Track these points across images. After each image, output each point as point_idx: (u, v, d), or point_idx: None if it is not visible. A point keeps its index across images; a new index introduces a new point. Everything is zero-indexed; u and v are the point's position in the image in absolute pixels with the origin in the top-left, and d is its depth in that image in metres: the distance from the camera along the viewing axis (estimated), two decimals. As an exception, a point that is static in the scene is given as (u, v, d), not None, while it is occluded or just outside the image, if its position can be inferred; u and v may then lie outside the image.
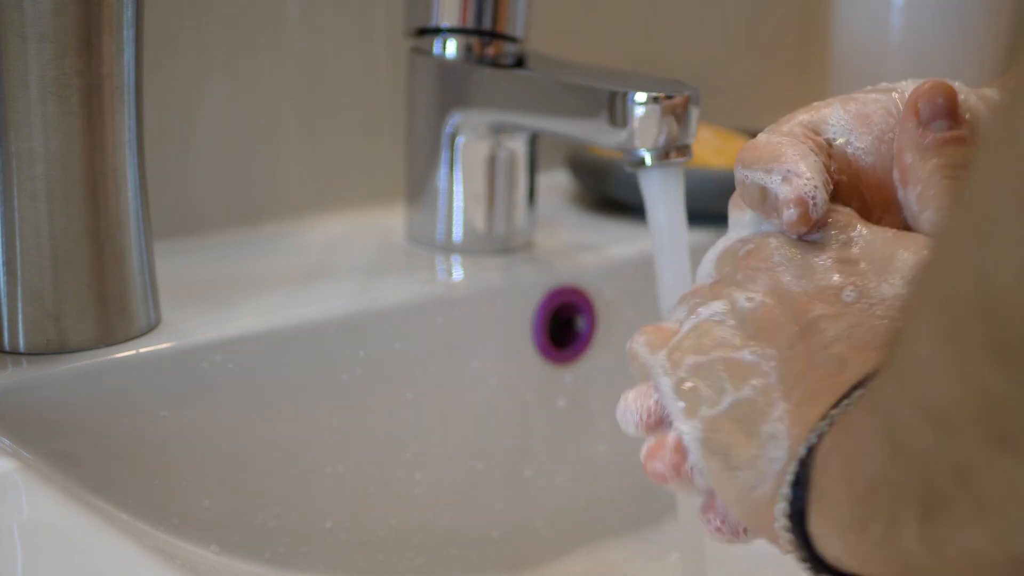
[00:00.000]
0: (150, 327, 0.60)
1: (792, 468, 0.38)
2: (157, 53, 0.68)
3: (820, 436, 0.37)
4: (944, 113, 0.42)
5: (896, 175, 0.43)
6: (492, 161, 0.71)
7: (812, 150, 0.43)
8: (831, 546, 0.37)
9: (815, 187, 0.41)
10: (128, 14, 0.56)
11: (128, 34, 0.56)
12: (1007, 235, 0.26)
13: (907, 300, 0.31)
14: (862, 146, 0.44)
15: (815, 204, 0.41)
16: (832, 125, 0.44)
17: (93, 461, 0.56)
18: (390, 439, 0.66)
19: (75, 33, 0.54)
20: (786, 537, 0.38)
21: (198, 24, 0.73)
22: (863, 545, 0.34)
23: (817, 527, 0.37)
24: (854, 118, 0.44)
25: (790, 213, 0.41)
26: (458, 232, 0.72)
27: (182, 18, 0.72)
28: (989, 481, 0.28)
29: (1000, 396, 0.27)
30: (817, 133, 0.44)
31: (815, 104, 0.45)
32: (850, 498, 0.34)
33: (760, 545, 0.43)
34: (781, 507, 0.38)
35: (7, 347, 0.57)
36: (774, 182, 0.42)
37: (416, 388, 0.67)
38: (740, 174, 0.43)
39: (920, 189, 0.42)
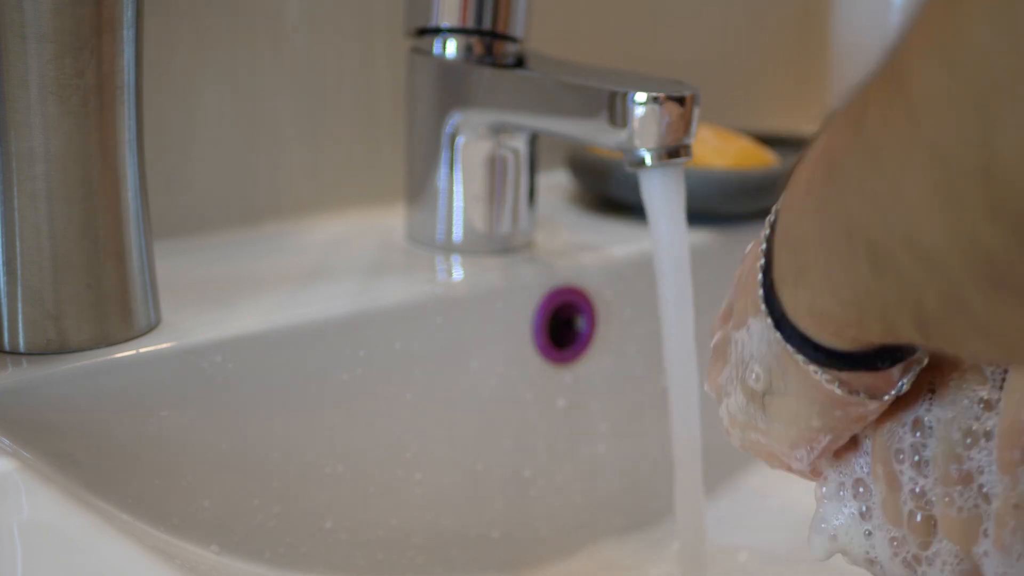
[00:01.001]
0: (150, 327, 0.60)
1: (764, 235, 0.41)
2: (157, 53, 0.68)
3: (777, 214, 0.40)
4: None
5: None
6: (492, 161, 0.71)
7: None
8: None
9: None
10: (128, 14, 0.56)
11: (128, 34, 0.56)
12: (1014, 111, 0.27)
13: (882, 119, 0.31)
14: None
15: None
16: None
17: (93, 461, 0.56)
18: (390, 439, 0.66)
19: (75, 33, 0.54)
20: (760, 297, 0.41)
21: (198, 24, 0.73)
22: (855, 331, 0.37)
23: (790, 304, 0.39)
24: None
25: None
26: (458, 232, 0.72)
27: (182, 18, 0.72)
28: (986, 312, 0.29)
29: (996, 251, 0.28)
30: None
31: None
32: (835, 302, 0.36)
33: (762, 545, 0.43)
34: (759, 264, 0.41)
35: (7, 347, 0.56)
36: None
37: (416, 388, 0.67)
38: None
39: None
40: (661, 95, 0.62)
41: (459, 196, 0.71)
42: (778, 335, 0.40)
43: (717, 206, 0.78)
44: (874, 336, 0.36)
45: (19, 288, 0.56)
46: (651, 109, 0.62)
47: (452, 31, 0.69)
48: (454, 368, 0.68)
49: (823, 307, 0.37)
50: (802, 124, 0.99)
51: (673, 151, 0.62)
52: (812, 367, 0.40)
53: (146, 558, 0.47)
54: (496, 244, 0.72)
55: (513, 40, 0.69)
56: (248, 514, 0.61)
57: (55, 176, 0.55)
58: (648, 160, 0.62)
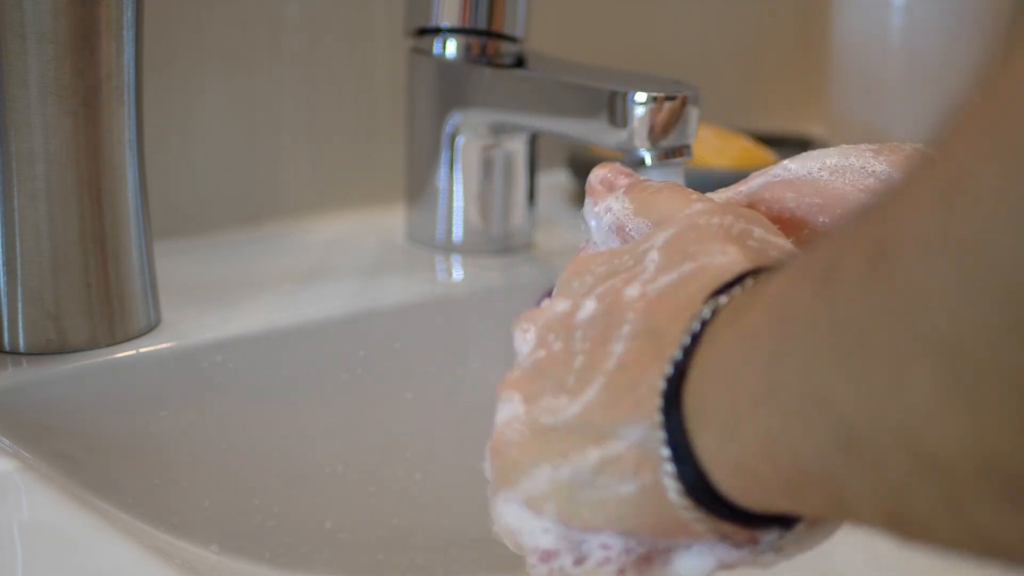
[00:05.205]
0: (150, 327, 0.60)
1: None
2: (157, 53, 0.68)
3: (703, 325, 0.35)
4: None
5: None
6: (492, 161, 0.71)
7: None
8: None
9: None
10: (128, 14, 0.56)
11: (128, 34, 0.56)
12: None
13: (862, 288, 0.27)
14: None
15: None
16: None
17: (93, 461, 0.56)
18: (390, 439, 0.66)
19: (75, 33, 0.54)
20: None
21: (198, 24, 0.73)
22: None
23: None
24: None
25: None
26: (458, 232, 0.72)
27: (182, 18, 0.72)
28: (994, 523, 0.26)
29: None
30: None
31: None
32: (770, 467, 0.32)
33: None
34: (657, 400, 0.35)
35: (7, 347, 0.56)
36: None
37: (416, 388, 0.67)
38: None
39: None
40: (661, 95, 0.62)
41: (459, 196, 0.71)
42: (670, 468, 0.35)
43: (717, 206, 0.77)
44: (807, 508, 0.32)
45: (19, 288, 0.56)
46: (651, 109, 0.62)
47: (452, 31, 0.69)
48: (454, 368, 0.68)
49: (752, 468, 0.32)
50: (802, 124, 0.99)
51: (673, 151, 0.62)
52: (691, 511, 0.35)
53: (146, 558, 0.47)
54: (496, 244, 0.72)
55: (513, 40, 0.69)
56: (248, 514, 0.61)
57: (55, 176, 0.55)
58: (648, 160, 0.62)
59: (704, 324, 0.35)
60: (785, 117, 1.00)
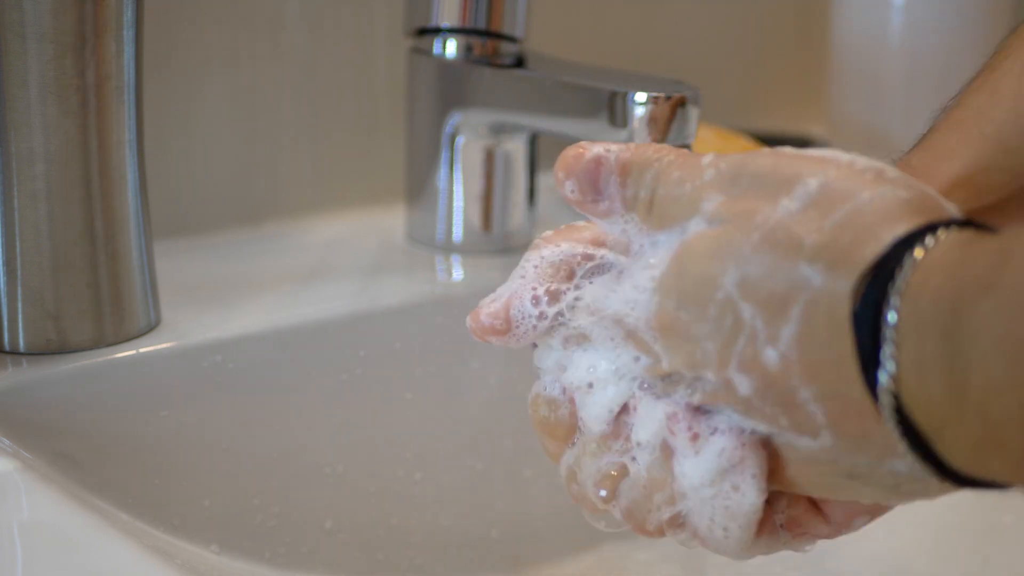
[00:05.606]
0: (150, 327, 0.60)
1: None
2: (157, 53, 0.68)
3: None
4: None
5: None
6: (492, 161, 0.71)
7: None
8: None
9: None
10: (128, 14, 0.56)
11: (128, 34, 0.56)
12: None
13: None
14: None
15: None
16: None
17: (93, 461, 0.56)
18: (390, 439, 0.66)
19: (75, 33, 0.54)
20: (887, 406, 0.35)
21: (198, 24, 0.73)
22: None
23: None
24: None
25: None
26: (458, 232, 0.72)
27: (182, 18, 0.72)
28: None
29: None
30: None
31: None
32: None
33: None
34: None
35: (7, 347, 0.57)
36: None
37: (416, 388, 0.67)
38: None
39: None
40: (661, 95, 0.62)
41: (459, 196, 0.71)
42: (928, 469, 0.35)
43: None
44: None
45: (19, 288, 0.56)
46: (651, 109, 0.62)
47: (452, 31, 0.69)
48: (454, 368, 0.68)
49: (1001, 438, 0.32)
50: (802, 124, 0.99)
51: (673, 151, 0.62)
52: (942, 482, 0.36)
53: (146, 558, 0.47)
54: (496, 244, 0.72)
55: (513, 40, 0.69)
56: (248, 514, 0.61)
57: (55, 176, 0.55)
58: (648, 160, 0.62)
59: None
60: (785, 117, 1.00)
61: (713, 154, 0.41)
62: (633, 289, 0.41)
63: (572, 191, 0.44)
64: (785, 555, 0.46)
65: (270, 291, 0.66)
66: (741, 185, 0.39)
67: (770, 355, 0.37)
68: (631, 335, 0.41)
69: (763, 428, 0.39)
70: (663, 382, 0.41)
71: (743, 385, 0.38)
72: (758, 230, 0.38)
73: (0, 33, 0.53)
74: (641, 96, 0.62)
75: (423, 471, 0.67)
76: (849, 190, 0.37)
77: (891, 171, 0.38)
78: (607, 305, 0.42)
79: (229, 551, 0.60)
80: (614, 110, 0.62)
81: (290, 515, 0.63)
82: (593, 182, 0.44)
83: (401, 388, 0.66)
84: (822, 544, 0.45)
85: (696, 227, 0.40)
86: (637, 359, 0.42)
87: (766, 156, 0.39)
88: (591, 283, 0.44)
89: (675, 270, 0.40)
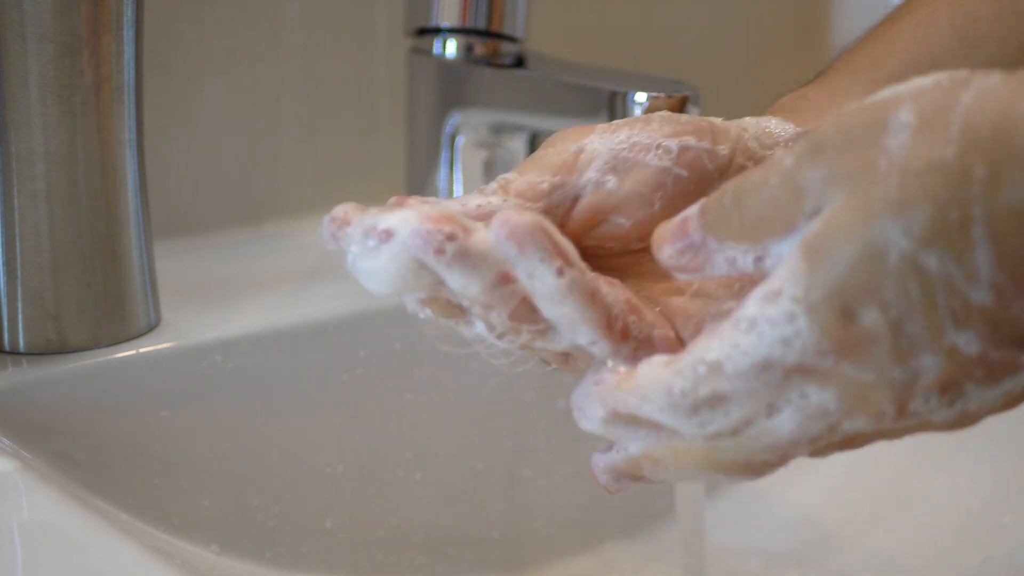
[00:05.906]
0: (150, 327, 0.60)
1: None
2: (157, 53, 0.68)
3: None
4: None
5: None
6: (492, 161, 0.71)
7: None
8: None
9: None
10: (128, 14, 0.56)
11: (128, 34, 0.56)
12: None
13: None
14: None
15: None
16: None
17: (93, 461, 0.56)
18: (390, 439, 0.66)
19: (75, 33, 0.54)
20: None
21: (198, 24, 0.73)
22: None
23: None
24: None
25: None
26: (458, 232, 0.71)
27: (182, 18, 0.72)
28: None
29: None
30: None
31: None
32: None
33: (763, 546, 0.43)
34: None
35: (7, 347, 0.57)
36: None
37: (416, 388, 0.67)
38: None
39: None
40: (661, 95, 0.62)
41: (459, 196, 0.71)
42: None
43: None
44: None
45: (19, 288, 0.56)
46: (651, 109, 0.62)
47: (452, 31, 0.69)
48: (454, 368, 0.68)
49: None
50: (802, 124, 0.99)
51: (673, 151, 0.62)
52: None
53: (146, 558, 0.47)
54: (496, 244, 0.72)
55: (513, 40, 0.69)
56: (248, 514, 0.61)
57: (55, 176, 0.55)
58: (648, 160, 0.62)
59: None
60: (785, 117, 1.00)
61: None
62: (769, 324, 0.35)
63: (670, 256, 0.39)
64: (786, 553, 0.46)
65: (270, 291, 0.66)
66: (828, 151, 0.34)
67: (979, 293, 0.33)
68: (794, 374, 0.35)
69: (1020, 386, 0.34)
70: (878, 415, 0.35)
71: (970, 343, 0.33)
72: (891, 173, 0.33)
73: (0, 33, 0.53)
74: (641, 96, 0.62)
75: (423, 471, 0.67)
76: (942, 99, 0.33)
77: (950, 73, 0.34)
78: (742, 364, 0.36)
79: (229, 551, 0.60)
80: (614, 110, 0.62)
81: (290, 515, 0.63)
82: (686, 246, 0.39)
83: (401, 388, 0.66)
84: (822, 543, 0.45)
85: (810, 212, 0.35)
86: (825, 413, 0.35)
87: (830, 121, 0.35)
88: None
89: (819, 267, 0.34)
